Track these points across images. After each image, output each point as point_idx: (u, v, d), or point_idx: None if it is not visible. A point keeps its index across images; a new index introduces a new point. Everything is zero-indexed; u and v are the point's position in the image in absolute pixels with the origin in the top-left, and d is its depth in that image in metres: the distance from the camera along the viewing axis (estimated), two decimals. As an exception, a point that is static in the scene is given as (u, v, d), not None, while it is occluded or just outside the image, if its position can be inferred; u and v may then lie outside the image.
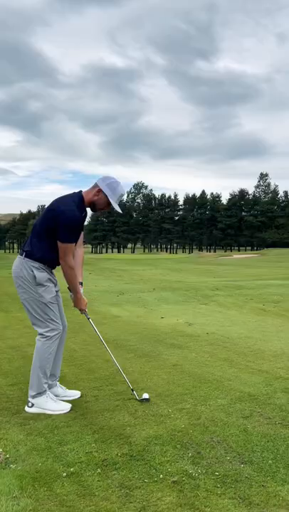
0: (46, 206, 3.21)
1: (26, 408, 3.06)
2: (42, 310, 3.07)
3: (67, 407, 3.05)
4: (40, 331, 3.10)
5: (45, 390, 3.08)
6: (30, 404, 3.04)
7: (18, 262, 3.12)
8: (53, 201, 3.14)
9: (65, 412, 3.00)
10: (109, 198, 3.07)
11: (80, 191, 3.17)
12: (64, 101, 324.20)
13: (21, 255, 3.11)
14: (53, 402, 3.05)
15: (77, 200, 3.07)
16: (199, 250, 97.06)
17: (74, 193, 3.18)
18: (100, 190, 3.08)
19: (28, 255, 3.06)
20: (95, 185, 3.12)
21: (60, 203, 3.07)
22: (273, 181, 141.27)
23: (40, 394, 3.04)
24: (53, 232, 3.00)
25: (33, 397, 3.05)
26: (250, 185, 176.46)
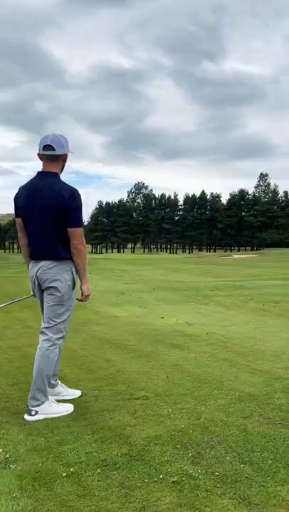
0: (28, 193, 2.87)
1: (29, 418, 2.84)
2: (69, 316, 3.01)
3: (71, 407, 3.01)
4: (52, 336, 2.93)
5: (48, 395, 2.99)
6: (33, 413, 2.85)
7: (50, 265, 2.87)
8: (44, 186, 2.84)
9: (69, 412, 2.95)
10: (67, 153, 2.99)
11: (45, 172, 2.92)
12: (70, 102, 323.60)
13: (50, 259, 2.87)
14: (56, 405, 2.97)
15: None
16: (199, 250, 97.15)
17: (44, 174, 2.92)
18: (64, 159, 2.98)
19: (58, 256, 2.86)
20: (52, 158, 2.90)
21: (58, 185, 2.86)
22: (273, 181, 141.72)
23: (44, 401, 2.91)
24: (62, 221, 2.80)
25: (38, 405, 2.88)
26: (250, 186, 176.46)
